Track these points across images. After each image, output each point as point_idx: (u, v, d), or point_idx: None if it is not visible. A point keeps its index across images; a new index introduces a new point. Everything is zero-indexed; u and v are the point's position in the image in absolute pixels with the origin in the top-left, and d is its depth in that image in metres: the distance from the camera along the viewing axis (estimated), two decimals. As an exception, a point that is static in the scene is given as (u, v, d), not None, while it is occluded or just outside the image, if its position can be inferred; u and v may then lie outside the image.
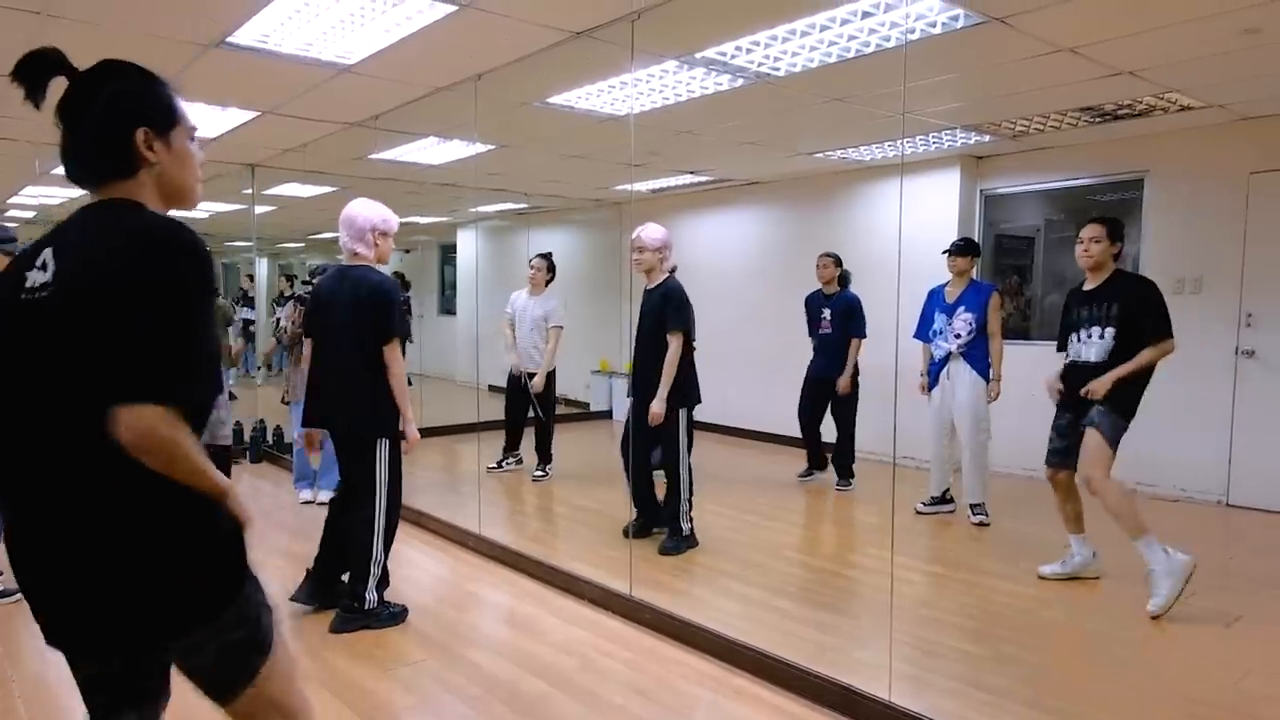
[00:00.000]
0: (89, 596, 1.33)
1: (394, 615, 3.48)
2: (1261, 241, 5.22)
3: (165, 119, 1.43)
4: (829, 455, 6.06)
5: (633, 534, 4.52)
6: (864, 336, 5.80)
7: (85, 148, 1.39)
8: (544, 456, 6.32)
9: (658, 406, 4.29)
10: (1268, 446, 5.22)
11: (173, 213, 1.46)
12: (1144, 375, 3.70)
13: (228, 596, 1.41)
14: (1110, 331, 3.72)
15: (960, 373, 4.98)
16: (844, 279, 5.95)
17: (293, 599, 3.57)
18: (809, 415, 6.06)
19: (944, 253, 5.15)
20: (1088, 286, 3.89)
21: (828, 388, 5.89)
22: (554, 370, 6.30)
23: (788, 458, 6.36)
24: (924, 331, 5.21)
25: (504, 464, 6.56)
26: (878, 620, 3.53)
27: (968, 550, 4.58)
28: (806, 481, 6.14)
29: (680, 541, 4.44)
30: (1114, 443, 3.68)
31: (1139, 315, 3.67)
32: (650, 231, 4.47)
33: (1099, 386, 3.66)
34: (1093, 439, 3.68)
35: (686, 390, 4.41)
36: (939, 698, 2.83)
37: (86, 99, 1.37)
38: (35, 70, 1.37)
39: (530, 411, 6.26)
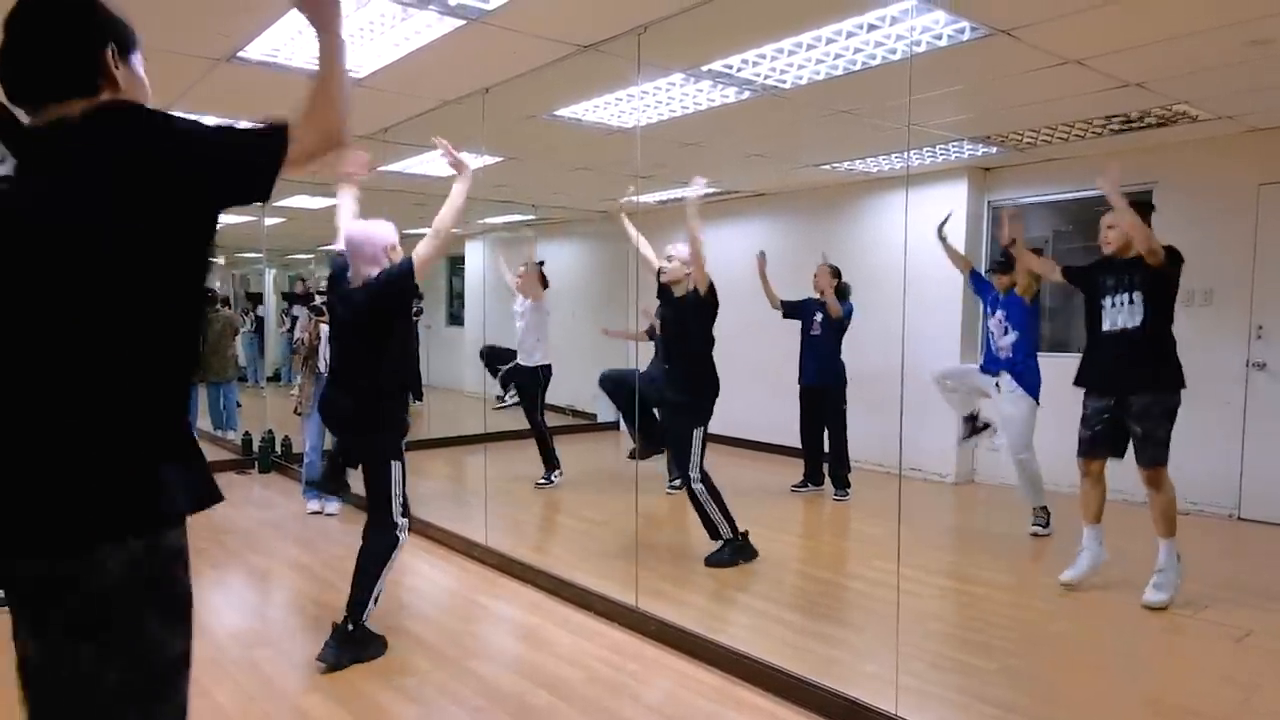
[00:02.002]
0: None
1: (382, 646, 3.26)
2: (1271, 253, 5.19)
3: (129, 41, 1.40)
4: (826, 470, 6.09)
5: (639, 456, 4.67)
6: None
7: (44, 57, 1.31)
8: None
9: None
10: None
11: None
12: (1170, 344, 3.74)
13: (141, 519, 1.29)
14: (1139, 296, 3.73)
15: (1010, 387, 4.90)
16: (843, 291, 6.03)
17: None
18: (811, 431, 6.10)
19: (988, 272, 5.26)
20: (1112, 254, 3.89)
21: (820, 396, 5.96)
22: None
23: (791, 468, 6.35)
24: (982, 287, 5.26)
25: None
26: (884, 633, 3.50)
27: (976, 562, 4.56)
28: (801, 493, 6.14)
29: (731, 552, 4.40)
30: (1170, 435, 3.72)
31: (1162, 266, 3.68)
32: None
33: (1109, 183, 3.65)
34: (1156, 468, 3.71)
35: (702, 406, 4.42)
36: (946, 711, 2.82)
37: (47, 7, 1.32)
38: None
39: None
